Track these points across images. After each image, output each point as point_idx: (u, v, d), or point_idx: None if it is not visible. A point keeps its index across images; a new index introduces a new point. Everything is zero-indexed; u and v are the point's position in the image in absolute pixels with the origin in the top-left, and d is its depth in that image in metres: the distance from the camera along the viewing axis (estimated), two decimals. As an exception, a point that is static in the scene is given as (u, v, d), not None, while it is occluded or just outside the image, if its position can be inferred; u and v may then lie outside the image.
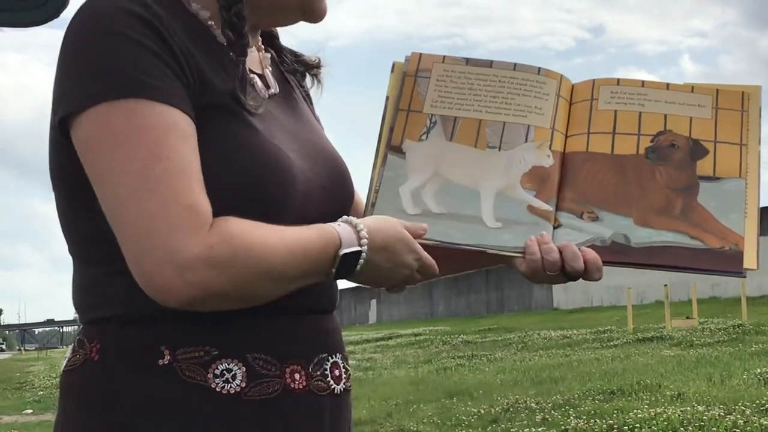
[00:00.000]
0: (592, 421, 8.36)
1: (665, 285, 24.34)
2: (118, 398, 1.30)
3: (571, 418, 8.73)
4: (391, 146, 1.55)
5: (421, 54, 1.63)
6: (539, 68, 1.62)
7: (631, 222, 1.51)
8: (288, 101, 1.53)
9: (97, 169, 1.24)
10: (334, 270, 1.31)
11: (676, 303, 26.98)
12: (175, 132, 1.24)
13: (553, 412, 9.45)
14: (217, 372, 1.31)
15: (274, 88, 1.49)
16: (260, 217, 1.27)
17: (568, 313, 34.22)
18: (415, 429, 9.34)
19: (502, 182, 1.53)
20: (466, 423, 9.63)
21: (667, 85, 1.63)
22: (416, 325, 34.20)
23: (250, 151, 1.32)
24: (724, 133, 1.58)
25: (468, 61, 1.62)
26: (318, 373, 1.39)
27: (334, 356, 1.44)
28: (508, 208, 1.52)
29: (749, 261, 1.49)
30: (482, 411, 10.21)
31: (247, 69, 1.40)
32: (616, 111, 1.60)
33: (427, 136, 1.57)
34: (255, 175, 1.31)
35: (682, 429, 7.42)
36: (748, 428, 7.10)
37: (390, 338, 28.40)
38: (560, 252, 1.46)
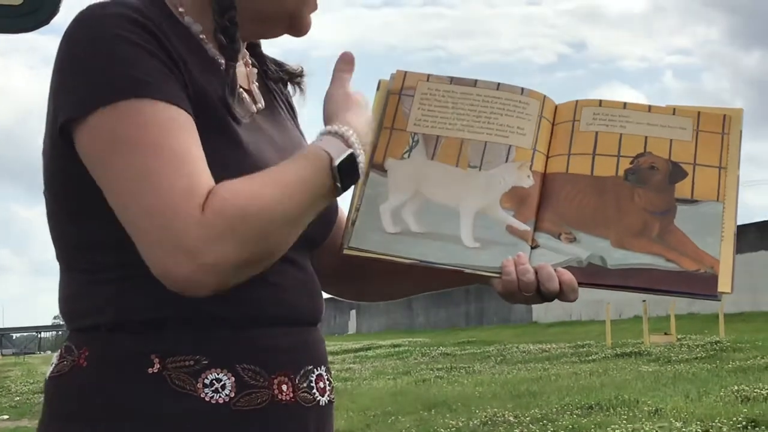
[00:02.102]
0: (569, 435, 8.37)
1: (644, 300, 24.41)
2: (107, 405, 1.30)
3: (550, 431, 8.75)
4: (373, 164, 1.54)
5: (406, 72, 1.64)
6: (522, 88, 1.62)
7: (608, 244, 1.52)
8: (273, 116, 1.54)
9: (102, 173, 1.25)
10: (338, 184, 1.31)
11: (655, 318, 27.04)
12: (177, 126, 1.25)
13: (531, 426, 9.47)
14: (207, 381, 1.31)
15: (261, 103, 1.50)
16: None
17: (547, 326, 34.30)
18: (393, 441, 9.32)
19: (481, 202, 1.54)
20: (445, 435, 9.64)
21: (649, 107, 1.63)
22: (395, 336, 34.18)
23: (236, 163, 1.32)
24: (704, 155, 1.58)
25: (452, 80, 1.62)
26: (304, 384, 1.40)
27: (319, 368, 1.44)
28: (486, 228, 1.52)
29: (724, 284, 1.50)
30: (460, 423, 10.22)
31: (237, 83, 1.41)
32: (597, 132, 1.59)
33: (409, 155, 1.56)
34: None
35: (659, 445, 7.44)
36: (725, 445, 7.13)
37: (369, 349, 28.35)
38: (536, 273, 1.46)
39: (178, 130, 1.25)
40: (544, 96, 1.63)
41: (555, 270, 1.47)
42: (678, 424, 8.33)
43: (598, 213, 1.54)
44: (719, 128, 1.60)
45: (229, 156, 1.32)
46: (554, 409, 10.46)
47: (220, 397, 1.31)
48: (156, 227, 1.19)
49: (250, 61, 1.56)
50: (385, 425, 10.79)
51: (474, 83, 1.62)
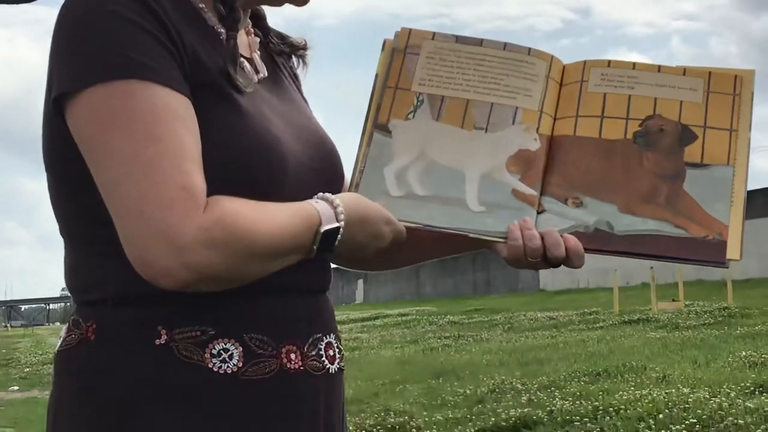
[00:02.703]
0: (577, 402, 8.38)
1: (651, 267, 24.41)
2: (115, 377, 1.30)
3: (557, 399, 8.75)
4: (377, 125, 1.53)
5: (410, 30, 1.60)
6: (530, 49, 1.60)
7: (615, 209, 1.50)
8: (277, 84, 1.52)
9: (91, 151, 1.24)
10: (315, 247, 1.31)
11: (662, 285, 27.05)
12: (169, 113, 1.23)
13: (538, 393, 9.46)
14: (215, 352, 1.31)
15: (263, 72, 1.48)
16: (252, 199, 1.27)
17: (554, 294, 34.33)
18: (401, 409, 9.34)
19: (487, 165, 1.51)
20: (452, 403, 9.65)
21: (659, 67, 1.60)
22: (403, 305, 34.27)
23: (241, 134, 1.31)
24: (715, 118, 1.55)
25: (458, 39, 1.59)
26: (313, 353, 1.41)
27: (328, 336, 1.46)
28: (492, 192, 1.50)
29: (732, 251, 1.48)
30: (468, 391, 10.23)
31: (239, 52, 1.39)
32: (605, 94, 1.57)
33: (413, 115, 1.54)
34: (247, 158, 1.31)
35: (666, 411, 7.43)
36: (733, 410, 7.12)
37: (377, 318, 28.44)
38: (542, 238, 1.45)
39: (171, 118, 1.23)
40: (552, 56, 1.60)
41: (561, 236, 1.45)
42: (685, 390, 8.32)
43: (605, 177, 1.52)
44: (730, 89, 1.57)
45: (232, 125, 1.31)
46: (562, 376, 10.47)
47: (228, 367, 1.32)
48: (146, 215, 1.19)
49: (252, 30, 1.54)
50: (393, 394, 10.81)
51: (480, 43, 1.59)
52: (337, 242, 1.33)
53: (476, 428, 8.00)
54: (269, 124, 1.37)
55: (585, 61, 1.61)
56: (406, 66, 1.57)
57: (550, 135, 1.55)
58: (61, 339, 1.38)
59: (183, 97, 1.26)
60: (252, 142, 1.31)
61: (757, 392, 8.19)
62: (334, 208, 1.33)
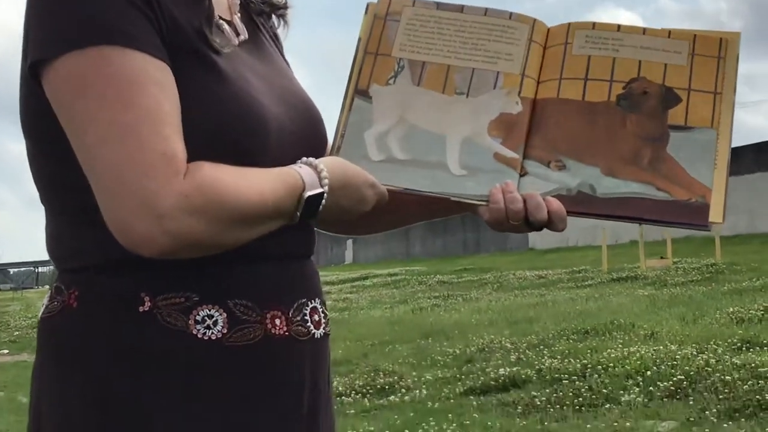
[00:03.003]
0: (566, 360, 8.43)
1: (640, 225, 24.44)
2: (99, 345, 1.30)
3: (546, 357, 8.80)
4: (358, 90, 1.52)
5: None
6: (511, 13, 1.59)
7: (598, 172, 1.49)
8: (258, 47, 1.50)
9: (68, 118, 1.22)
10: (298, 213, 1.29)
11: (651, 243, 27.14)
12: (147, 79, 1.21)
13: (527, 351, 9.52)
14: (198, 318, 1.31)
15: (244, 35, 1.45)
16: (233, 164, 1.25)
17: (543, 253, 34.41)
18: (390, 369, 9.38)
19: (468, 129, 1.51)
20: (441, 363, 9.70)
21: (644, 29, 1.58)
22: (392, 265, 34.35)
23: (221, 98, 1.30)
24: (699, 80, 1.54)
25: (438, 6, 1.59)
26: (298, 318, 1.40)
27: (313, 301, 1.45)
28: (473, 156, 1.49)
29: (716, 214, 1.47)
30: (457, 351, 10.28)
31: (215, 12, 1.37)
32: (589, 56, 1.56)
33: (394, 81, 1.53)
34: (227, 121, 1.29)
35: (654, 368, 7.48)
36: (720, 367, 7.17)
37: (366, 278, 28.50)
38: (524, 201, 1.44)
39: (149, 84, 1.21)
40: (534, 20, 1.59)
41: (544, 198, 1.45)
42: (673, 347, 8.37)
43: (588, 140, 1.51)
44: (715, 52, 1.56)
45: (212, 89, 1.29)
46: (551, 335, 10.52)
47: (212, 333, 1.31)
48: (126, 181, 1.17)
49: None
50: (383, 354, 10.85)
51: (461, 9, 1.58)
52: (321, 207, 1.32)
53: (465, 387, 8.04)
54: (250, 87, 1.35)
55: (569, 23, 1.60)
56: (387, 32, 1.56)
57: (534, 98, 1.54)
58: (44, 306, 1.37)
59: (161, 62, 1.24)
60: (232, 106, 1.30)
61: (744, 348, 8.25)
62: (318, 173, 1.31)
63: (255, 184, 1.25)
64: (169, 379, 1.29)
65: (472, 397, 7.69)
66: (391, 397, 8.07)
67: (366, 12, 1.58)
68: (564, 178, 1.48)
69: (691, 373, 7.09)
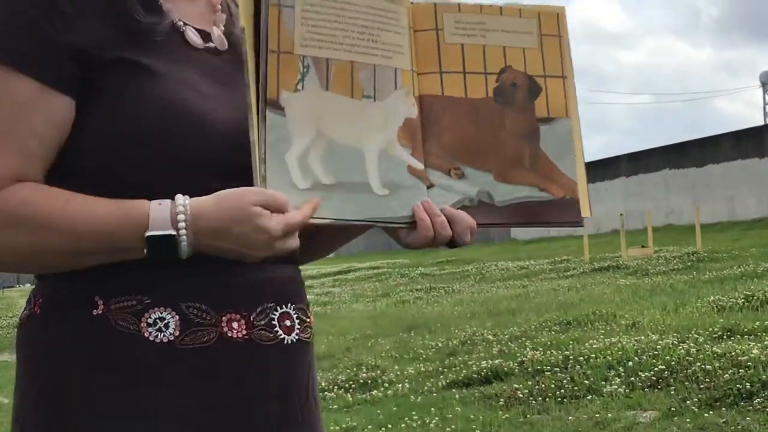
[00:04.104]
0: (548, 352, 8.43)
1: (621, 214, 24.56)
2: (56, 351, 1.33)
3: (528, 349, 8.80)
4: (268, 101, 1.34)
5: None
6: None
7: (491, 178, 1.44)
8: (234, 66, 1.46)
9: None
10: (146, 250, 1.27)
11: (632, 231, 27.25)
12: (8, 98, 1.27)
13: (509, 344, 9.52)
14: (150, 321, 1.32)
15: (220, 45, 1.45)
16: (175, 168, 1.28)
17: (525, 243, 34.47)
18: (373, 363, 9.37)
19: (381, 139, 1.40)
20: (424, 356, 9.69)
21: (500, 9, 1.49)
22: (375, 258, 34.31)
23: (155, 103, 1.32)
24: (549, 65, 1.49)
25: None
26: (262, 322, 1.39)
27: (285, 306, 1.43)
28: (390, 170, 1.40)
29: (584, 209, 1.44)
30: (440, 344, 10.28)
31: (177, 19, 1.40)
32: (462, 45, 1.47)
33: (302, 85, 1.37)
34: (161, 125, 1.31)
35: (636, 358, 7.49)
36: (701, 356, 7.18)
37: (348, 272, 28.48)
38: (449, 221, 1.41)
39: (7, 104, 1.28)
40: (411, 1, 1.47)
41: (458, 213, 1.41)
42: (654, 337, 8.39)
43: (478, 143, 1.45)
44: (555, 30, 1.50)
45: (140, 90, 1.32)
46: (533, 326, 10.53)
47: (164, 336, 1.32)
48: None
49: (219, 7, 1.52)
50: (365, 348, 10.84)
51: None
52: (181, 250, 1.27)
53: (448, 381, 8.03)
54: (187, 91, 1.35)
55: (435, 4, 1.47)
56: (284, 22, 1.36)
57: (418, 95, 1.44)
58: (20, 314, 1.42)
59: (33, 81, 1.28)
60: (157, 108, 1.32)
61: (724, 337, 8.27)
62: (176, 214, 1.27)
63: (79, 214, 1.26)
64: (123, 382, 1.31)
65: (454, 390, 7.68)
66: (374, 392, 8.05)
67: None
68: (465, 187, 1.43)
69: (672, 362, 7.10)
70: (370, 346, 11.02)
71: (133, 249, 1.27)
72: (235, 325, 1.36)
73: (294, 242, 1.32)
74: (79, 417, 1.31)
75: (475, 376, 7.98)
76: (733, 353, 7.05)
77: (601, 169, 35.09)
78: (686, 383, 6.61)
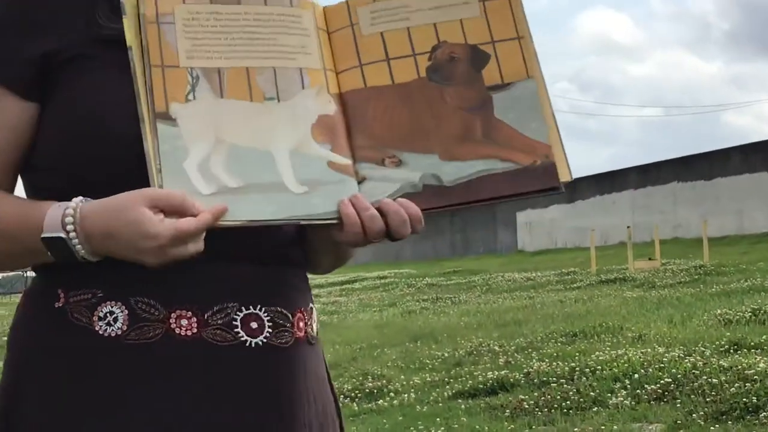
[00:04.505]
0: (554, 363, 8.42)
1: (628, 227, 24.52)
2: (22, 342, 1.39)
3: (534, 360, 8.80)
4: (157, 114, 1.31)
5: None
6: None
7: (437, 158, 1.37)
8: None
9: None
10: (49, 253, 1.28)
11: (639, 244, 27.20)
12: None
13: (516, 355, 9.51)
14: (101, 314, 1.33)
15: None
16: (93, 171, 1.31)
17: (532, 255, 34.41)
18: (379, 373, 9.36)
19: (292, 139, 1.35)
20: (430, 366, 9.68)
21: None
22: (381, 267, 34.28)
23: (76, 108, 1.34)
24: (499, 29, 1.42)
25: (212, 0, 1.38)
26: (219, 321, 1.36)
27: (252, 307, 1.38)
28: (308, 168, 1.34)
29: (563, 173, 1.36)
30: (446, 354, 10.27)
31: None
32: (382, 33, 1.42)
33: (194, 95, 1.34)
34: (77, 129, 1.34)
35: (642, 371, 7.48)
36: (707, 369, 7.17)
37: (355, 281, 28.47)
38: (382, 214, 1.33)
39: None
40: (313, 4, 1.43)
41: (397, 202, 1.34)
42: (661, 350, 8.38)
43: (414, 126, 1.39)
44: None
45: (81, 92, 1.35)
46: (539, 338, 10.52)
47: (112, 330, 1.33)
48: None
49: None
50: (371, 358, 10.84)
51: (238, 0, 1.39)
52: (77, 252, 1.26)
53: (453, 391, 8.03)
54: (106, 97, 1.35)
55: (347, 1, 1.44)
56: (165, 38, 1.34)
57: (339, 92, 1.40)
58: None
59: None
60: (86, 112, 1.34)
61: (731, 350, 8.26)
62: (65, 216, 1.25)
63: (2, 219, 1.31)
64: (74, 374, 1.33)
65: (460, 401, 7.68)
66: (380, 401, 8.05)
67: (124, 13, 1.34)
68: (405, 174, 1.36)
69: (679, 375, 7.10)
70: (377, 355, 11.02)
71: (40, 251, 1.27)
72: (184, 322, 1.34)
73: (193, 248, 1.25)
74: (32, 408, 1.34)
75: (481, 386, 7.98)
76: (740, 367, 7.04)
77: (609, 181, 35.07)
78: (692, 396, 6.60)
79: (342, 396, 8.31)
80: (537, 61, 1.41)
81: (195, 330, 1.34)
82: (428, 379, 8.86)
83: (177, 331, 1.34)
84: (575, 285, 19.43)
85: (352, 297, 22.94)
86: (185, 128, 1.32)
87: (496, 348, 10.13)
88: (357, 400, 8.25)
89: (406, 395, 8.17)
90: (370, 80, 1.40)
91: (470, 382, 8.22)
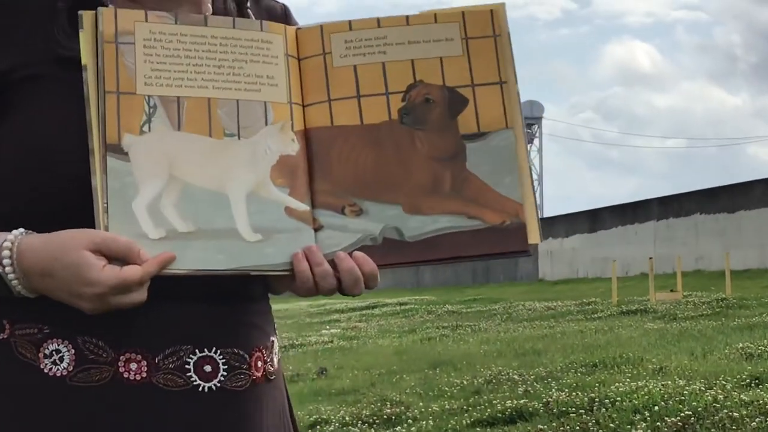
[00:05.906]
0: (573, 393, 8.37)
1: (650, 258, 24.41)
2: None
3: (553, 390, 8.75)
4: (108, 146, 1.22)
5: (116, 9, 1.27)
6: (261, 22, 1.33)
7: (400, 210, 1.29)
8: None
9: None
10: None
11: (661, 276, 27.05)
12: None
13: (535, 384, 9.47)
14: (47, 352, 1.27)
15: None
16: (36, 202, 1.25)
17: (553, 284, 34.28)
18: (397, 399, 9.34)
19: (250, 181, 1.27)
20: (449, 394, 9.65)
21: (407, 18, 1.34)
22: (402, 294, 34.21)
23: (22, 136, 1.28)
24: (480, 71, 1.32)
25: (178, 19, 1.29)
26: (171, 365, 1.30)
27: (206, 350, 1.32)
28: (263, 213, 1.27)
29: (532, 234, 1.29)
30: (465, 382, 10.24)
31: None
32: (355, 66, 1.32)
33: (149, 127, 1.25)
34: (21, 157, 1.28)
35: (662, 403, 7.44)
36: (728, 403, 7.12)
37: (375, 307, 28.41)
38: (336, 269, 1.27)
39: None
40: (285, 27, 1.34)
41: (352, 256, 1.27)
42: (681, 382, 8.33)
43: (379, 173, 1.30)
44: (489, 30, 1.33)
45: (37, 115, 1.28)
46: (559, 367, 10.48)
47: (58, 369, 1.27)
48: None
49: (210, 7, 1.43)
50: (390, 384, 10.82)
51: (204, 21, 1.30)
52: (12, 287, 1.21)
53: (472, 419, 8.00)
54: (56, 126, 1.28)
55: (321, 26, 1.34)
56: (123, 61, 1.25)
57: (304, 129, 1.31)
58: None
59: None
60: (22, 143, 1.28)
61: (752, 384, 8.20)
62: (1, 250, 1.20)
63: None
64: (15, 413, 1.26)
65: (479, 429, 7.65)
66: (398, 428, 8.02)
67: (82, 28, 1.25)
68: (364, 224, 1.29)
69: (699, 408, 7.05)
70: (395, 381, 10.99)
71: None
72: (133, 366, 1.27)
73: (136, 297, 1.19)
74: None
75: (500, 415, 7.94)
76: (761, 401, 6.99)
77: (631, 212, 34.94)
78: (713, 430, 6.55)
79: (360, 422, 8.29)
80: (519, 110, 1.31)
81: (144, 374, 1.28)
82: (447, 406, 8.82)
83: (126, 375, 1.27)
84: (596, 315, 19.32)
85: (372, 323, 22.89)
86: (137, 163, 1.24)
87: (516, 377, 10.09)
88: (375, 426, 8.23)
89: (424, 422, 8.14)
90: (338, 118, 1.31)
91: (489, 410, 8.18)
